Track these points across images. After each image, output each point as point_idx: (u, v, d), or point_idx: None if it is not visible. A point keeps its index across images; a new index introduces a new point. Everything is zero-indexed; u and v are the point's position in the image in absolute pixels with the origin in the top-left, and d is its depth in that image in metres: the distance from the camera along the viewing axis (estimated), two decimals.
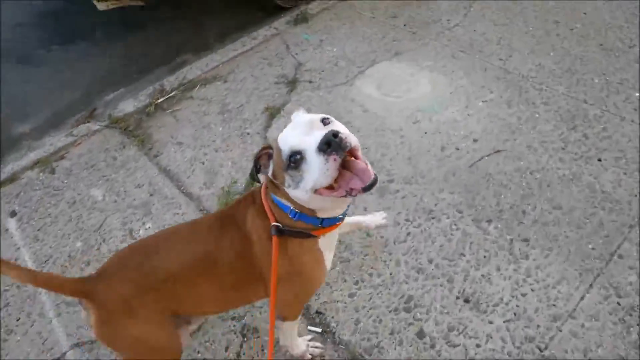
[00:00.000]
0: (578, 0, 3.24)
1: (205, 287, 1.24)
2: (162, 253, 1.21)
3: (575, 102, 2.49)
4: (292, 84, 2.87)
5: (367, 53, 3.04)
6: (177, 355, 1.31)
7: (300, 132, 1.04)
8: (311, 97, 2.75)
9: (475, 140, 2.35)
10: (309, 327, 1.70)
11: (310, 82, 2.87)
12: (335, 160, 0.97)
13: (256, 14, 3.75)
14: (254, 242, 1.20)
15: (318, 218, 1.15)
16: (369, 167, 1.03)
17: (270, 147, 1.13)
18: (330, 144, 0.96)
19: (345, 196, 1.03)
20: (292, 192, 1.08)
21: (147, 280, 1.18)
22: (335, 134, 0.96)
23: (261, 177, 1.18)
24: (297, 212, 1.14)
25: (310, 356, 1.58)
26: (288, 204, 1.14)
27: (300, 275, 1.24)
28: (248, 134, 2.58)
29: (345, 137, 0.97)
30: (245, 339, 1.70)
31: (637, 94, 2.49)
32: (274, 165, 1.11)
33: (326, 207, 1.13)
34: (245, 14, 3.80)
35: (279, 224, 1.15)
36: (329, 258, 1.26)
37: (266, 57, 3.15)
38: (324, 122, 1.06)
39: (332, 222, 1.17)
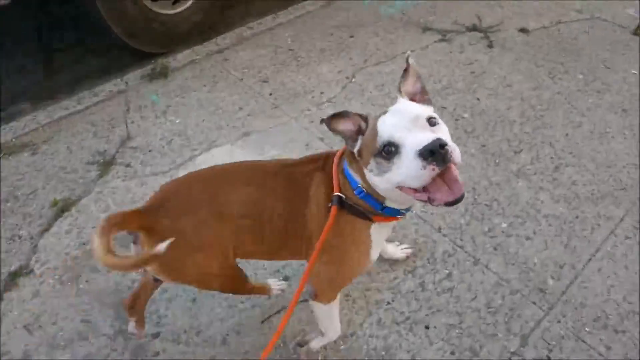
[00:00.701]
0: (482, 78, 2.75)
1: (256, 231, 1.20)
2: (223, 190, 1.18)
3: (426, 228, 1.98)
4: (106, 166, 2.33)
5: (211, 130, 2.51)
6: (243, 280, 1.36)
7: (402, 124, 0.99)
8: (117, 189, 2.21)
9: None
10: None
11: (128, 165, 2.33)
12: (433, 170, 0.92)
13: (124, 58, 3.19)
14: (312, 207, 1.17)
15: (381, 204, 1.11)
16: (460, 181, 0.96)
17: (365, 120, 1.08)
18: (434, 154, 0.91)
19: (425, 202, 0.99)
20: (372, 178, 1.05)
21: (207, 217, 1.15)
22: (442, 145, 0.91)
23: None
24: (364, 190, 1.11)
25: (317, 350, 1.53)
26: (358, 179, 1.11)
27: (344, 255, 1.20)
28: (19, 237, 2.03)
29: (452, 151, 0.92)
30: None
31: (504, 225, 1.99)
32: (363, 143, 1.06)
33: (397, 200, 1.10)
34: (116, 55, 3.24)
35: (342, 196, 1.12)
36: (376, 249, 1.21)
37: (96, 123, 2.60)
38: (430, 122, 1.00)
39: (392, 213, 1.14)
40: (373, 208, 1.12)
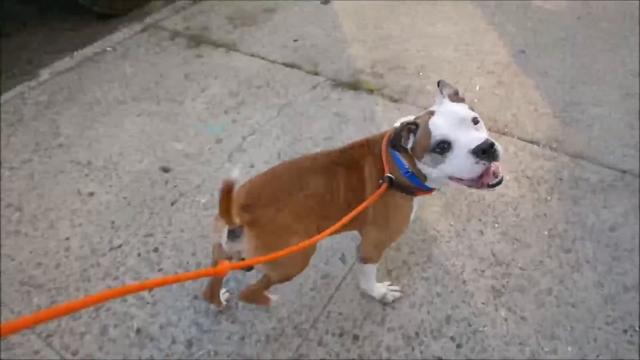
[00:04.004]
0: None
1: (328, 211, 1.34)
2: (302, 180, 1.33)
3: None
4: None
5: None
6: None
7: (452, 124, 1.15)
8: None
9: None
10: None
11: None
12: (484, 165, 1.10)
13: None
14: (368, 186, 1.33)
15: (423, 183, 1.31)
16: (500, 167, 1.14)
17: (415, 124, 1.22)
18: (485, 152, 1.08)
19: (471, 186, 1.17)
20: (426, 169, 1.23)
21: (298, 203, 1.29)
22: (492, 144, 1.08)
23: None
24: (411, 172, 1.30)
25: (391, 298, 1.70)
26: (406, 163, 1.29)
27: (391, 223, 1.41)
28: None
29: (499, 151, 1.09)
30: None
31: None
32: (416, 142, 1.21)
33: (440, 182, 1.31)
34: None
35: (392, 177, 1.29)
36: (413, 215, 1.43)
37: None
38: (474, 121, 1.17)
39: (429, 188, 1.34)
40: (415, 185, 1.32)
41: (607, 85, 2.75)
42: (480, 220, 1.97)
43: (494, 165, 1.12)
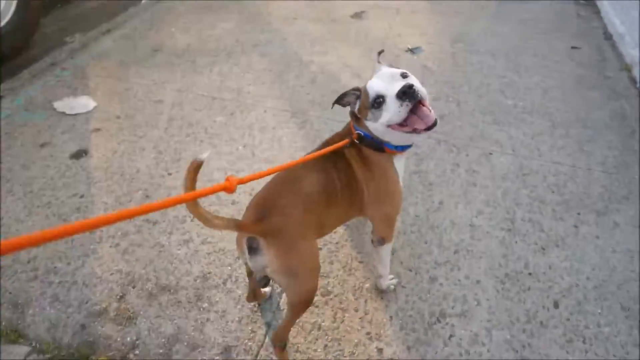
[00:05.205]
0: None
1: (332, 209, 1.45)
2: (300, 183, 1.40)
3: None
4: None
5: None
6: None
7: (384, 81, 1.36)
8: None
9: None
10: None
11: None
12: (407, 105, 1.29)
13: None
14: (355, 168, 1.47)
15: (391, 145, 1.46)
16: (432, 113, 1.31)
17: (358, 90, 1.45)
18: (406, 94, 1.28)
19: (412, 132, 1.34)
20: (371, 125, 1.41)
21: (301, 207, 1.36)
22: (410, 86, 1.27)
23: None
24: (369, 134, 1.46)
25: (392, 287, 1.83)
26: (367, 132, 1.45)
27: (385, 188, 1.50)
28: None
29: (417, 90, 1.28)
30: None
31: None
32: (361, 104, 1.43)
33: (396, 140, 1.44)
34: None
35: (361, 133, 1.45)
36: (400, 179, 1.52)
37: None
38: (403, 75, 1.36)
39: (401, 148, 1.48)
40: (376, 142, 1.45)
41: (477, 263, 1.91)
42: None
43: (422, 112, 1.30)
